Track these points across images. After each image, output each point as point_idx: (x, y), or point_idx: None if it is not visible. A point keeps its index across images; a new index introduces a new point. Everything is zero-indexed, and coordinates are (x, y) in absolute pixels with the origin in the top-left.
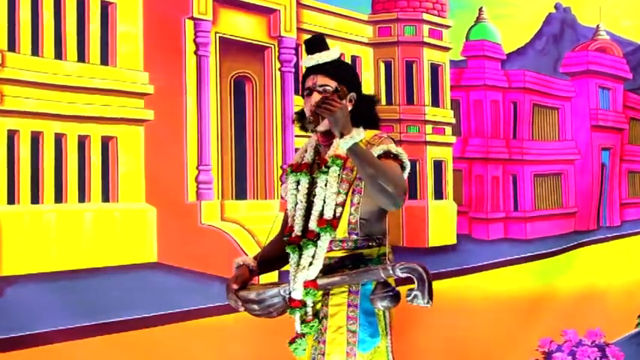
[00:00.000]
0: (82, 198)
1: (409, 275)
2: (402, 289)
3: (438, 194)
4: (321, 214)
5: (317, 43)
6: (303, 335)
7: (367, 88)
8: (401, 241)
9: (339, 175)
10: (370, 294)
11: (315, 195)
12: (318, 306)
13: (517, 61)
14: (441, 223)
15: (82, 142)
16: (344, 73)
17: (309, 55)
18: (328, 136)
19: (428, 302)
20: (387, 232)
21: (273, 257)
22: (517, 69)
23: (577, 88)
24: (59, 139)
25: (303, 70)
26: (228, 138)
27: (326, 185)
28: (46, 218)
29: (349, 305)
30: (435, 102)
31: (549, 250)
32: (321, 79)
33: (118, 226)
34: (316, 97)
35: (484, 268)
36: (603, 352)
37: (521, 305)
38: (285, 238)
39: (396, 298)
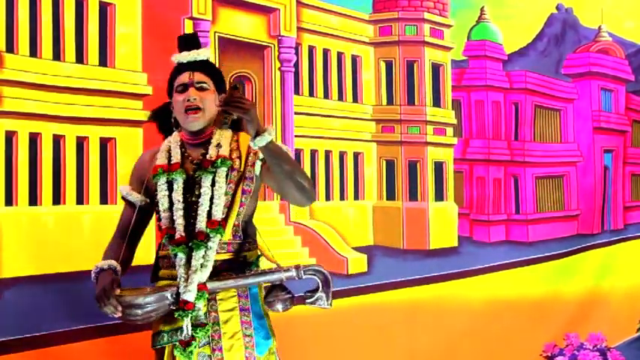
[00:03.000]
0: (80, 200)
1: (313, 277)
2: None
3: (439, 196)
4: (209, 214)
5: (192, 40)
6: (194, 339)
7: (368, 87)
8: (401, 243)
9: (227, 175)
10: (268, 296)
11: (198, 195)
12: (203, 310)
13: (518, 62)
14: (442, 225)
15: (81, 144)
16: (217, 72)
17: (184, 52)
18: (195, 135)
19: (330, 305)
20: (257, 233)
21: (125, 260)
22: (519, 70)
23: (579, 90)
24: (57, 140)
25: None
26: None
27: (213, 185)
28: (44, 220)
29: (241, 309)
30: (437, 102)
31: (552, 253)
32: (198, 76)
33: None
34: (193, 92)
35: (485, 270)
36: (605, 356)
37: (523, 309)
38: (166, 239)
39: (293, 300)
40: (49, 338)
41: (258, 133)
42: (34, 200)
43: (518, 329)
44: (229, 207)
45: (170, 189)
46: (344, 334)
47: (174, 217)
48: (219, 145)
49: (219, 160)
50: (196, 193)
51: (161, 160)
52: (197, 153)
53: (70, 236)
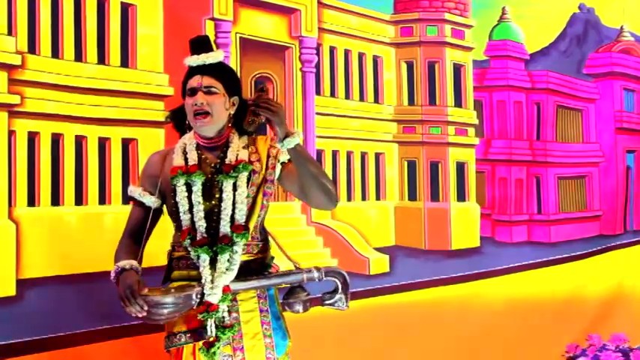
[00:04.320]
0: (102, 200)
1: (332, 279)
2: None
3: (461, 196)
4: (232, 218)
5: (203, 43)
6: (219, 339)
7: (389, 88)
8: (423, 244)
9: (248, 179)
10: (288, 297)
11: (218, 198)
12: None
13: (540, 62)
14: (464, 225)
15: (103, 145)
16: (229, 75)
17: (195, 55)
18: (211, 138)
19: (347, 306)
20: (268, 235)
21: (139, 260)
22: (540, 70)
23: (601, 90)
24: (79, 141)
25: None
26: None
27: (234, 189)
28: (66, 220)
29: (261, 310)
30: (458, 103)
31: (574, 254)
32: (207, 80)
33: None
34: (201, 97)
35: (507, 271)
36: (627, 356)
37: (545, 309)
38: (188, 241)
39: (311, 302)
40: (70, 339)
41: (287, 136)
42: (56, 200)
43: (541, 330)
44: (250, 209)
45: (189, 191)
46: (366, 335)
47: (195, 219)
48: (237, 149)
49: (240, 165)
50: (216, 196)
51: (178, 161)
52: (213, 156)
53: (92, 236)
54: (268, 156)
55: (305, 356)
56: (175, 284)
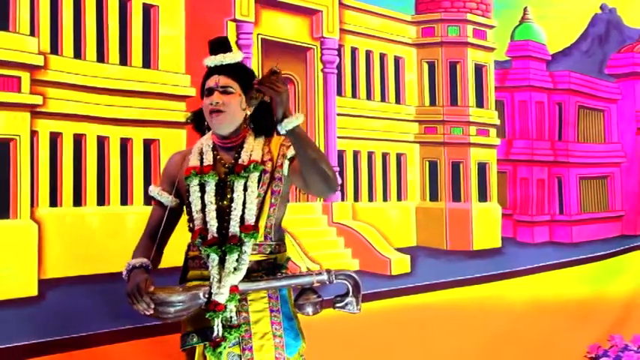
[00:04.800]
0: (124, 201)
1: (344, 282)
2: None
3: (482, 197)
4: (242, 218)
5: (221, 44)
6: (225, 339)
7: (410, 89)
8: (444, 244)
9: (259, 179)
10: (298, 299)
11: (230, 199)
12: (234, 311)
13: (562, 62)
14: (486, 226)
15: (124, 145)
16: (246, 76)
17: (212, 56)
18: (227, 138)
19: (359, 310)
20: (286, 236)
21: (154, 259)
22: (562, 70)
23: (623, 90)
24: (101, 141)
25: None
26: None
27: (245, 189)
28: (88, 221)
29: (272, 310)
30: (479, 103)
31: (596, 254)
32: (223, 80)
33: None
34: (218, 96)
35: (529, 271)
36: None
37: (567, 310)
38: (199, 240)
39: (322, 304)
40: (92, 339)
41: (285, 117)
42: (78, 201)
43: (562, 330)
44: (260, 208)
45: (202, 191)
46: (387, 335)
47: (207, 219)
48: (251, 150)
49: (251, 165)
50: (228, 196)
51: (193, 161)
52: (229, 156)
53: (114, 237)
54: (278, 155)
55: (326, 356)
56: (191, 284)
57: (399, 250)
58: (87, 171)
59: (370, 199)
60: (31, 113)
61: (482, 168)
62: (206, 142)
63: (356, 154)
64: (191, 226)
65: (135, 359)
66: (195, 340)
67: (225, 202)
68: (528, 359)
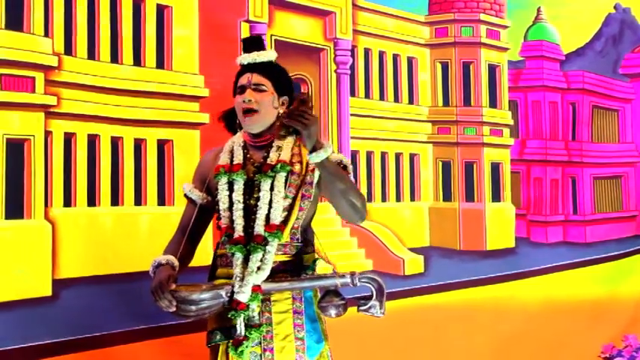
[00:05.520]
0: (138, 201)
1: (368, 285)
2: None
3: (496, 197)
4: (267, 217)
5: (255, 42)
6: (247, 338)
7: (424, 89)
8: (458, 244)
9: (286, 179)
10: (322, 301)
11: (257, 198)
12: (257, 310)
13: (576, 62)
14: (499, 226)
15: (138, 146)
16: (279, 74)
17: (245, 54)
18: (258, 137)
19: (383, 313)
20: (315, 237)
21: (183, 257)
22: (576, 70)
23: (637, 90)
24: (115, 142)
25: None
26: None
27: (272, 189)
28: (102, 221)
29: (295, 312)
30: (493, 103)
31: (610, 254)
32: (256, 78)
33: (174, 230)
34: (250, 94)
35: (543, 271)
36: None
37: (581, 310)
38: (225, 238)
39: (346, 307)
40: (106, 339)
41: (315, 149)
42: (92, 201)
43: (576, 330)
44: (289, 211)
45: (231, 189)
46: (400, 335)
47: (234, 218)
48: (280, 149)
49: (278, 165)
50: (255, 195)
51: (223, 160)
52: (259, 155)
53: (128, 237)
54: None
55: (339, 356)
56: (218, 281)
57: (413, 250)
58: (101, 171)
59: (383, 199)
60: (46, 114)
61: (495, 168)
62: (237, 140)
63: (369, 154)
64: (219, 224)
65: (149, 359)
66: (218, 337)
67: (252, 201)
68: (542, 359)
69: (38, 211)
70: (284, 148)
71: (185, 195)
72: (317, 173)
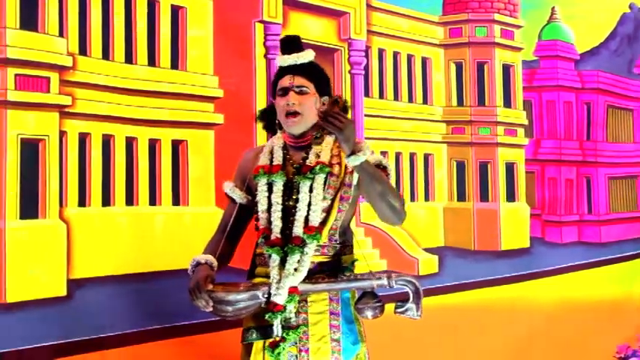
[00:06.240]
0: (152, 201)
1: (404, 288)
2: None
3: (510, 197)
4: (306, 219)
5: (293, 43)
6: (284, 340)
7: (438, 89)
8: (472, 244)
9: (325, 181)
10: (358, 303)
11: (295, 199)
12: (294, 311)
13: (590, 62)
14: (514, 226)
15: (153, 146)
16: (319, 75)
17: (285, 55)
18: (298, 138)
19: (420, 315)
20: (355, 238)
21: (222, 256)
22: (591, 69)
23: None
24: (130, 142)
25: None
26: None
27: (311, 191)
28: (116, 221)
29: (331, 313)
30: (507, 103)
31: (624, 254)
32: (298, 80)
33: (189, 230)
34: (293, 97)
35: (558, 272)
36: None
37: (596, 310)
38: (263, 240)
39: (383, 308)
40: (121, 339)
41: (353, 152)
42: (106, 201)
43: (591, 330)
44: (327, 212)
45: (270, 190)
46: (415, 336)
47: (272, 219)
48: (319, 150)
49: (317, 167)
50: (294, 197)
51: (263, 160)
52: (298, 156)
53: (142, 237)
54: None
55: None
56: (257, 280)
57: (427, 250)
58: (115, 171)
59: None
60: (60, 114)
61: (510, 168)
62: (277, 140)
63: (383, 154)
64: (257, 225)
65: (163, 359)
66: (254, 336)
67: (291, 203)
68: (556, 359)
69: (53, 211)
70: (323, 149)
71: (226, 194)
72: (356, 175)
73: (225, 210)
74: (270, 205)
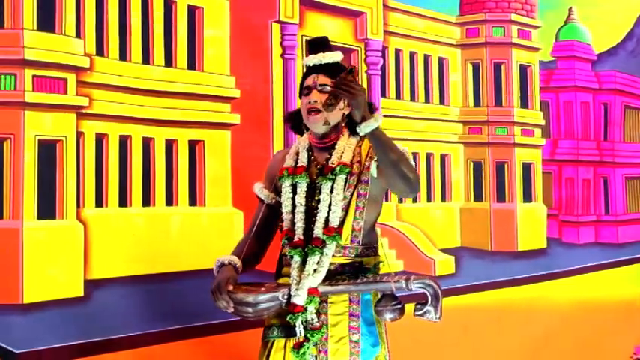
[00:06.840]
0: (169, 202)
1: (423, 290)
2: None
3: (527, 197)
4: (327, 220)
5: (321, 43)
6: (307, 340)
7: (455, 89)
8: (489, 244)
9: (346, 182)
10: (377, 305)
11: (317, 200)
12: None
13: (607, 62)
14: (531, 226)
15: (170, 146)
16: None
17: (311, 55)
18: (322, 139)
19: (439, 318)
20: (379, 241)
21: (249, 256)
22: (608, 70)
23: None
24: (147, 143)
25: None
26: None
27: (332, 192)
28: (134, 221)
29: (351, 315)
30: (524, 103)
31: None
32: (321, 79)
33: (206, 230)
34: (315, 95)
35: (575, 272)
36: None
37: (613, 310)
38: (286, 241)
39: (403, 310)
40: (138, 339)
41: (364, 119)
42: (123, 202)
43: (608, 331)
44: (346, 211)
45: (294, 192)
46: (431, 336)
47: (295, 220)
48: (342, 151)
49: (338, 168)
50: (316, 198)
51: (288, 162)
52: (322, 157)
53: (159, 237)
54: (367, 156)
55: None
56: (283, 280)
57: (444, 250)
58: (132, 172)
59: (414, 199)
60: (77, 114)
61: (527, 168)
62: (303, 142)
63: None
64: (281, 226)
65: (180, 359)
66: (275, 333)
67: (313, 204)
68: (573, 359)
69: (70, 212)
70: (346, 150)
71: (256, 194)
72: (373, 169)
73: (256, 211)
74: (293, 206)
